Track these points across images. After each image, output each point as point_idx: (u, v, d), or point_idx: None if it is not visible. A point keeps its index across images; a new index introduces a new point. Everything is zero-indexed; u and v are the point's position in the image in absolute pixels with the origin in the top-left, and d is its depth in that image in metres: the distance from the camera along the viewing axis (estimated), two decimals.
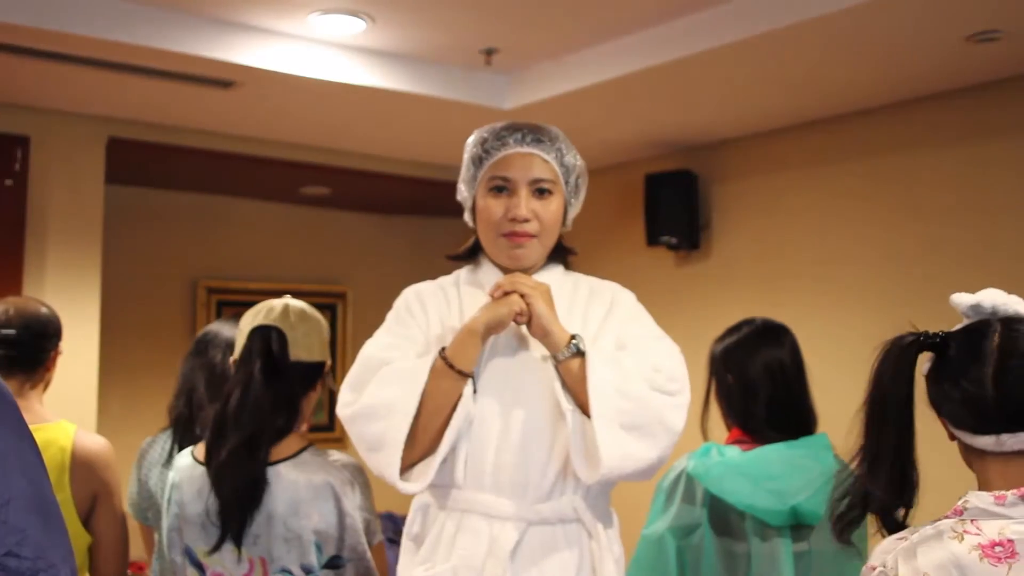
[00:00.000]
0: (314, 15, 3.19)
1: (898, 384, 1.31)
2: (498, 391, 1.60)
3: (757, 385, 2.01)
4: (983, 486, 1.28)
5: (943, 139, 3.63)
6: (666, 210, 4.40)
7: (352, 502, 1.77)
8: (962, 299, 1.33)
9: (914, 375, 1.33)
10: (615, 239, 4.79)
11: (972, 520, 1.22)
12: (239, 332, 1.88)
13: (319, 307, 2.07)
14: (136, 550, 2.41)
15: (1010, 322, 1.28)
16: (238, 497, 1.71)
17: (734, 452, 1.97)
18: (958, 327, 1.34)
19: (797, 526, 1.92)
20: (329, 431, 5.21)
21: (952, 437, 1.34)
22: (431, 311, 1.72)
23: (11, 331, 2.09)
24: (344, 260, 5.67)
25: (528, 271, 1.73)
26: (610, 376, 1.54)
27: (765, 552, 1.90)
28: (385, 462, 1.53)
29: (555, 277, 1.74)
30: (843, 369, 3.81)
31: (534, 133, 1.71)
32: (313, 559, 1.72)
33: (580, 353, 1.57)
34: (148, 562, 2.33)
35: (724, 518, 1.95)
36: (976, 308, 1.31)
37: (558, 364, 1.58)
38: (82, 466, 2.06)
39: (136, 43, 3.10)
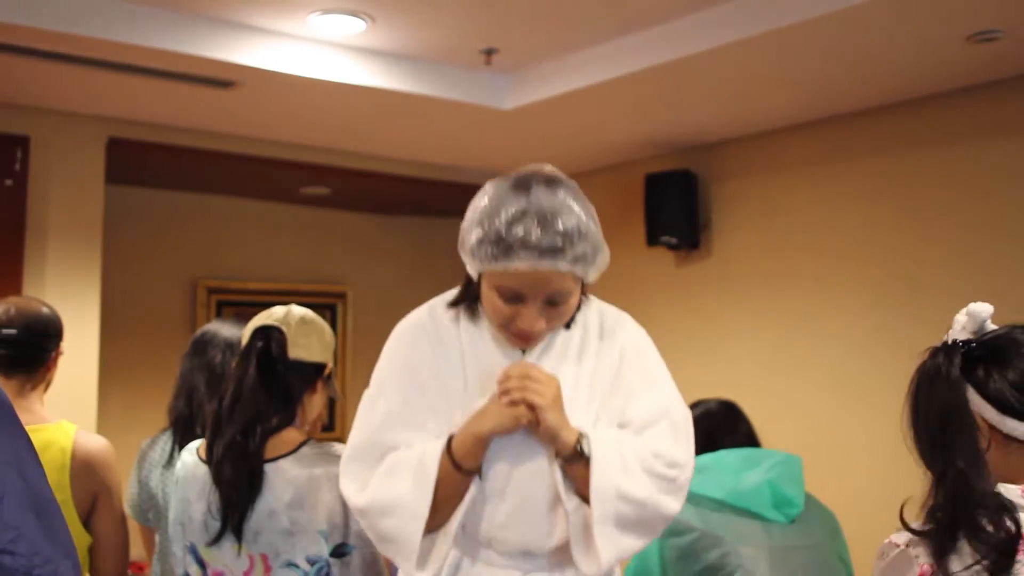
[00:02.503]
0: (314, 15, 3.19)
1: (955, 392, 1.30)
2: (501, 470, 1.58)
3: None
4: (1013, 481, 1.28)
5: (943, 139, 3.62)
6: (666, 210, 4.40)
7: None
8: (982, 309, 1.34)
9: (961, 379, 1.31)
10: (615, 239, 4.74)
11: None
12: (243, 336, 1.90)
13: (319, 307, 2.08)
14: (136, 550, 2.41)
15: None
16: (237, 489, 1.73)
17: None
18: (986, 334, 1.33)
19: (780, 522, 1.97)
20: (329, 431, 5.22)
21: (987, 446, 1.30)
22: (428, 367, 1.64)
23: (12, 331, 2.09)
24: (344, 260, 5.67)
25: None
26: (612, 478, 1.51)
27: (748, 548, 1.91)
28: (400, 557, 1.54)
29: (562, 341, 1.65)
30: (843, 368, 3.81)
31: (547, 237, 1.45)
32: (318, 549, 1.74)
33: (585, 456, 1.53)
34: (148, 562, 2.33)
35: (707, 514, 1.96)
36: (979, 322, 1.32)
37: (562, 463, 1.56)
38: (82, 466, 2.05)
39: (136, 43, 3.10)
